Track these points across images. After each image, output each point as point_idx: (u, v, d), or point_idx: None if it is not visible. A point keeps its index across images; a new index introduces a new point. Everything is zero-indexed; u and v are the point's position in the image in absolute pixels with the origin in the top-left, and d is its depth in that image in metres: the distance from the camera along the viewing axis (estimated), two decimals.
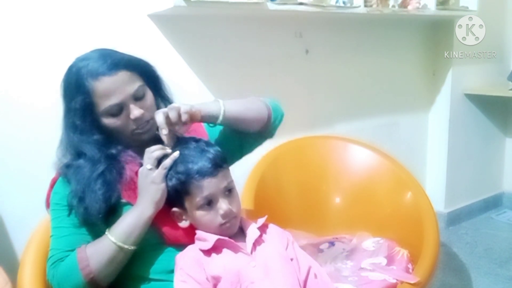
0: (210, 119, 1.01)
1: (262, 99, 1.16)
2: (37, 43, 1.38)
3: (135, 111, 0.95)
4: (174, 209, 0.95)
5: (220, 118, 1.01)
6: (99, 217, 0.92)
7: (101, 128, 0.97)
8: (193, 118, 0.96)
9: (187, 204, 0.93)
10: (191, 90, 1.69)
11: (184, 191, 0.92)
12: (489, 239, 2.48)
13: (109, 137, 0.99)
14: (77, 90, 0.94)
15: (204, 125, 1.15)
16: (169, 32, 1.62)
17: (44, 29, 1.39)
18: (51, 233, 0.98)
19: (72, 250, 0.92)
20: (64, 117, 0.99)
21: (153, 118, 0.99)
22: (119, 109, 0.95)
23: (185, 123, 0.94)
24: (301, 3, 1.68)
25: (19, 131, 1.37)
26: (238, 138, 1.14)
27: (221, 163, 0.94)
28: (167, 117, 0.92)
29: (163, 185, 0.92)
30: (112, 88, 0.94)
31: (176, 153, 0.93)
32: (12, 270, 1.04)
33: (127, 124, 0.97)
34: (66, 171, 0.98)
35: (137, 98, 0.97)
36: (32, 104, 1.38)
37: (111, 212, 0.94)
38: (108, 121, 0.96)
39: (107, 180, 0.94)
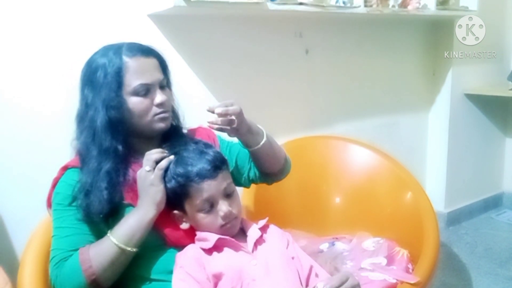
0: (252, 140, 1.05)
1: (282, 148, 1.20)
2: (37, 44, 1.38)
3: (160, 96, 0.99)
4: (175, 211, 0.95)
5: (260, 145, 1.06)
6: (99, 217, 0.93)
7: (123, 113, 0.98)
8: (241, 126, 1.00)
9: (187, 207, 0.93)
10: (191, 90, 1.69)
11: (183, 194, 0.92)
12: (489, 239, 2.48)
13: (128, 124, 0.99)
14: (112, 64, 0.96)
15: (217, 138, 1.17)
16: (169, 32, 1.62)
17: (44, 30, 1.38)
18: (53, 233, 0.97)
19: (75, 250, 0.92)
20: (93, 96, 0.98)
21: (170, 111, 1.04)
22: (146, 91, 0.98)
23: (232, 121, 0.97)
24: (301, 3, 1.68)
25: (19, 132, 1.37)
26: (247, 168, 1.16)
27: (220, 165, 0.94)
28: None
29: (161, 186, 0.93)
30: (146, 68, 0.98)
31: (172, 156, 0.94)
32: (12, 270, 1.04)
33: (150, 108, 0.99)
34: (85, 154, 0.98)
35: (162, 87, 1.02)
36: (33, 106, 1.38)
37: (112, 213, 0.94)
38: (134, 100, 0.98)
39: (112, 181, 0.95)
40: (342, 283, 0.83)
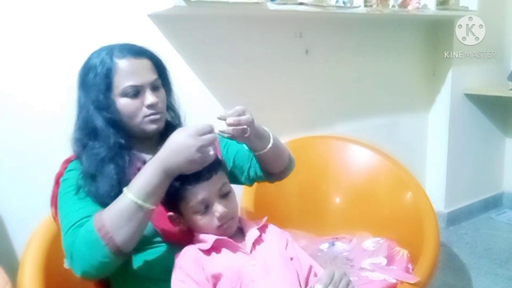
0: (259, 144, 1.02)
1: (288, 150, 1.18)
2: (38, 44, 1.38)
3: (151, 97, 0.98)
4: (170, 213, 0.94)
5: (267, 149, 1.03)
6: (110, 196, 0.90)
7: (114, 113, 0.98)
8: (251, 134, 0.96)
9: (182, 209, 0.93)
10: (191, 90, 1.69)
11: (178, 197, 0.91)
12: (489, 239, 2.48)
13: (121, 125, 0.99)
14: (103, 65, 0.96)
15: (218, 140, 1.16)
16: (169, 32, 1.63)
17: (44, 30, 1.39)
18: (63, 215, 0.92)
19: (90, 216, 0.87)
20: (84, 97, 0.99)
21: (163, 112, 1.03)
22: (135, 92, 0.98)
23: (244, 131, 0.93)
24: (301, 3, 1.68)
25: (19, 132, 1.37)
26: (247, 167, 1.14)
27: (215, 166, 0.93)
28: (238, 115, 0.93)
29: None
30: (136, 70, 0.98)
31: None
32: (12, 270, 1.04)
33: (140, 109, 0.99)
34: (81, 151, 0.98)
35: (154, 87, 1.01)
36: (33, 105, 1.38)
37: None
38: (124, 102, 0.97)
39: (119, 165, 0.95)
40: (331, 279, 0.83)
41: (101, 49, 1.01)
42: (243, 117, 0.93)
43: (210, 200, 0.91)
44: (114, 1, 1.50)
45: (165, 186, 0.87)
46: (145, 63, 1.00)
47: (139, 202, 0.84)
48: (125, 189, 0.86)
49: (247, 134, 0.95)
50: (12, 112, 1.36)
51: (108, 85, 0.96)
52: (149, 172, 0.86)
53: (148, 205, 0.85)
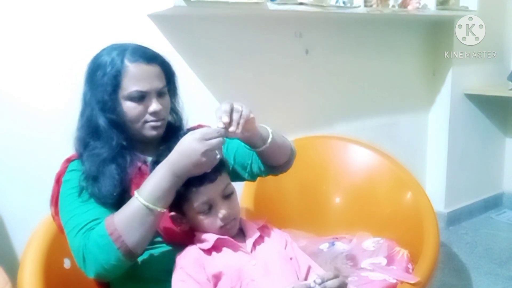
0: (257, 141, 1.01)
1: (289, 140, 1.17)
2: (38, 44, 1.38)
3: (155, 105, 0.99)
4: (173, 213, 0.95)
5: (267, 143, 1.02)
6: (113, 196, 0.91)
7: (118, 114, 0.98)
8: (250, 126, 0.93)
9: (186, 209, 0.93)
10: (191, 90, 1.68)
11: (183, 197, 0.91)
12: (489, 239, 2.48)
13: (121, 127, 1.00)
14: (112, 66, 0.96)
15: None
16: (169, 32, 1.62)
17: (45, 30, 1.39)
18: (68, 218, 0.92)
19: (99, 219, 0.88)
20: (90, 95, 0.99)
21: (165, 119, 1.03)
22: (141, 98, 0.98)
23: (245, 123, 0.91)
24: (301, 3, 1.68)
25: (19, 131, 1.37)
26: (249, 163, 1.13)
27: (219, 168, 0.93)
28: (232, 109, 0.89)
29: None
30: (145, 76, 0.98)
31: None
32: (12, 270, 1.04)
33: (143, 114, 0.99)
34: (82, 151, 0.98)
35: (160, 94, 1.01)
36: (33, 105, 1.38)
37: (122, 202, 0.91)
38: (128, 105, 0.98)
39: (121, 165, 0.96)
40: (329, 279, 0.83)
41: (113, 48, 1.00)
42: (227, 109, 0.88)
43: (214, 201, 0.92)
44: (114, 1, 1.50)
45: (175, 188, 0.88)
46: (155, 69, 1.00)
47: (150, 205, 0.85)
48: (136, 193, 0.87)
49: (253, 121, 0.93)
50: (12, 111, 1.36)
51: (115, 87, 0.96)
52: (159, 176, 0.86)
53: (158, 209, 0.86)
